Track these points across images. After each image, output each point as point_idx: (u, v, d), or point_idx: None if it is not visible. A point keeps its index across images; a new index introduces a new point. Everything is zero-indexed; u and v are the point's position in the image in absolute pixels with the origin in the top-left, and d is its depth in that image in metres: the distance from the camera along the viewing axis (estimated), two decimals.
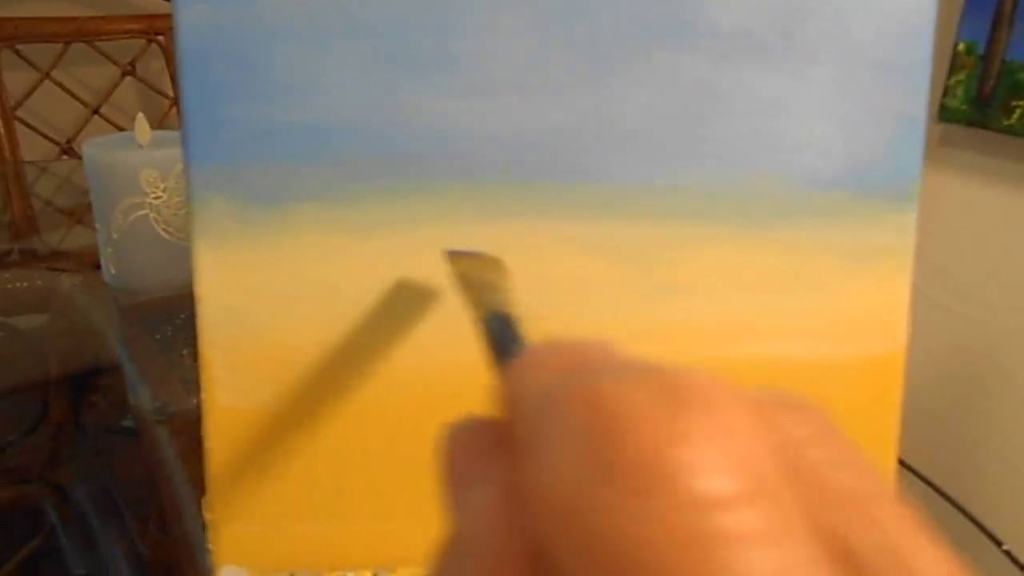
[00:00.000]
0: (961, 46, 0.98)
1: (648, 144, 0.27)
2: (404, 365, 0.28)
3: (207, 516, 0.29)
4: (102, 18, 1.19)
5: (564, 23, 0.27)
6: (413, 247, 0.27)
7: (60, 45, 1.16)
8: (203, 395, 0.28)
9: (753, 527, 0.09)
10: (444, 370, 0.28)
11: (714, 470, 0.09)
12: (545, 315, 0.28)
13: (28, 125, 1.16)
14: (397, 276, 0.27)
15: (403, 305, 0.28)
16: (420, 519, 0.29)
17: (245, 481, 0.28)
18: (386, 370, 0.28)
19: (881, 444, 0.29)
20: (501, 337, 0.17)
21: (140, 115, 0.66)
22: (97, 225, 0.66)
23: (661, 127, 0.27)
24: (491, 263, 0.25)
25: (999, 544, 0.45)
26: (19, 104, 1.15)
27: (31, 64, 1.15)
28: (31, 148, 1.17)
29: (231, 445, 0.28)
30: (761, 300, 0.28)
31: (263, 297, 0.27)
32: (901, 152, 0.28)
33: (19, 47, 1.13)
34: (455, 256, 0.25)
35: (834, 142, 0.27)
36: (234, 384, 0.27)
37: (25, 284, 0.75)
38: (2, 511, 0.54)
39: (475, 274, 0.24)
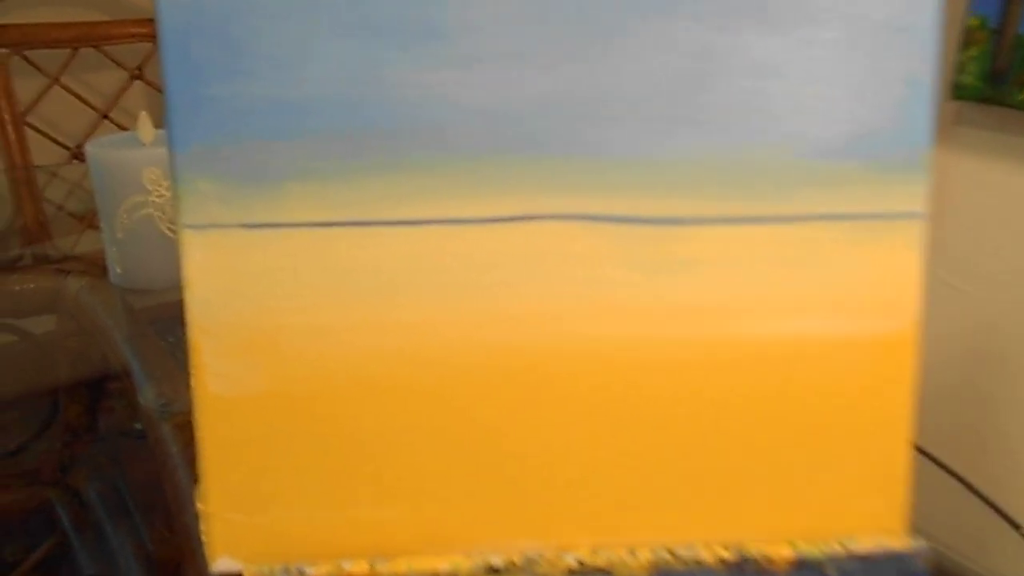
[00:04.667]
0: (973, 21, 0.96)
1: (644, 115, 0.26)
2: (400, 347, 0.27)
3: (200, 507, 0.28)
4: (109, 23, 1.19)
5: None
6: (407, 224, 0.27)
7: (68, 50, 1.16)
8: (193, 382, 0.27)
9: None
10: (443, 352, 0.27)
11: None
12: (544, 294, 0.27)
13: (38, 130, 1.17)
14: (389, 254, 0.27)
15: (395, 285, 0.27)
16: (418, 506, 0.28)
17: (238, 470, 0.27)
18: (382, 353, 0.27)
19: (894, 426, 0.28)
20: None
21: (143, 113, 0.66)
22: (102, 225, 0.65)
23: (657, 96, 0.26)
24: None
25: (1016, 527, 0.43)
26: (29, 110, 1.15)
27: (39, 70, 1.15)
28: (41, 153, 1.18)
29: (223, 433, 0.27)
30: (764, 276, 0.27)
31: (253, 280, 0.26)
32: (909, 118, 0.27)
33: (27, 53, 1.14)
34: None
35: (839, 107, 0.26)
36: (224, 370, 0.27)
37: (32, 286, 0.75)
38: (16, 513, 0.54)
39: None
